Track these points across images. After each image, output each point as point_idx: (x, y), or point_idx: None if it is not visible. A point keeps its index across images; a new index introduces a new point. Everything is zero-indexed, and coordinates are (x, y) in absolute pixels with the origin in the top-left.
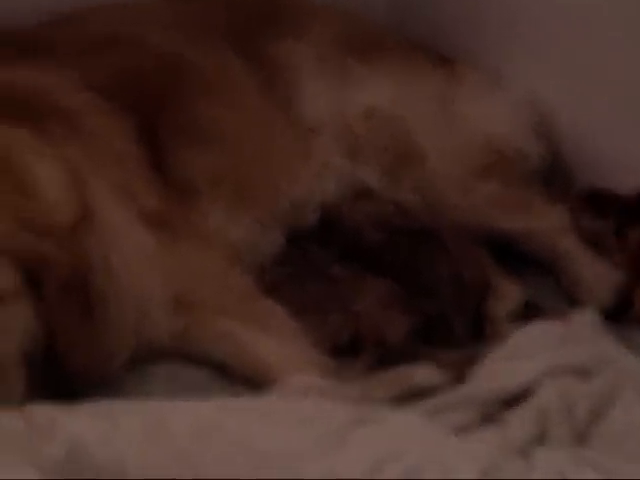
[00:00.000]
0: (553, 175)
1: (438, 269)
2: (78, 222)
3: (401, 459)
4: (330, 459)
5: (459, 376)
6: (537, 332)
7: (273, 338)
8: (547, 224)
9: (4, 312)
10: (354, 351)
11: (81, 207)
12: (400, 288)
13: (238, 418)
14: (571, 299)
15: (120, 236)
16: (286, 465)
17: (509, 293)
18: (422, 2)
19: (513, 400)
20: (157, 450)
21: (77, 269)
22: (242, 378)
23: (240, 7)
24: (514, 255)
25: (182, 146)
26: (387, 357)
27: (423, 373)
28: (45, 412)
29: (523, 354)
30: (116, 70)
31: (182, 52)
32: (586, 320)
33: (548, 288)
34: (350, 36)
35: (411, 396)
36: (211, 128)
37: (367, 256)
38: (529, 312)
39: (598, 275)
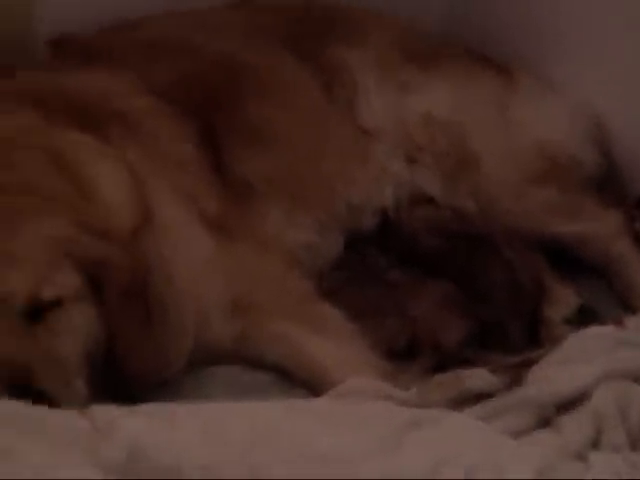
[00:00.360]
0: (607, 180)
1: (493, 274)
2: (139, 226)
3: (458, 461)
4: (388, 461)
5: (514, 380)
6: (592, 336)
7: (330, 341)
8: (601, 229)
9: (67, 314)
10: (411, 355)
11: (142, 211)
12: (456, 293)
13: (297, 420)
14: (625, 303)
15: (180, 239)
16: (344, 467)
17: (564, 297)
18: (477, 9)
19: (568, 404)
20: (216, 452)
21: (137, 272)
22: (299, 381)
23: (299, 13)
24: (568, 260)
25: (240, 148)
26: (443, 361)
27: (479, 377)
28: (106, 413)
29: (578, 358)
30: (175, 74)
31: (240, 56)
32: None
33: (602, 292)
34: (408, 43)
35: (467, 399)
36: (269, 130)
37: (424, 261)
38: (584, 316)
39: None
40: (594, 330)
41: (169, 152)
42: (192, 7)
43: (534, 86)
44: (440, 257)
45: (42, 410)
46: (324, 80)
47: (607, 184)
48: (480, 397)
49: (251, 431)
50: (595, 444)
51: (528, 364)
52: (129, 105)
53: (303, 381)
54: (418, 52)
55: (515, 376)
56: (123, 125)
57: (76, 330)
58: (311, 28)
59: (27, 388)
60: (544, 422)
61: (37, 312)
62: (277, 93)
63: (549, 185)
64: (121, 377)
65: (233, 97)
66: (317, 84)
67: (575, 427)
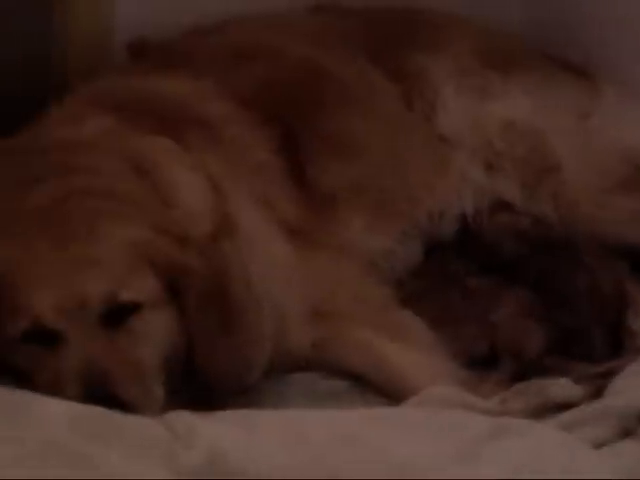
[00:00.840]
0: None
1: (575, 282)
2: (218, 232)
3: (539, 472)
4: (467, 471)
5: (597, 390)
6: None
7: (410, 349)
8: None
9: (145, 319)
10: (491, 363)
11: (221, 217)
12: (537, 300)
13: (376, 428)
14: None
15: (259, 245)
16: (424, 476)
17: None
18: (558, 14)
19: None
20: (296, 460)
21: (217, 278)
22: (378, 388)
23: (379, 20)
24: None
25: (322, 155)
26: (524, 369)
27: (561, 386)
28: (185, 419)
29: None
30: (256, 80)
31: (321, 63)
32: None
33: None
34: (488, 49)
35: (548, 409)
36: (351, 138)
37: (505, 268)
38: None
39: None
40: None
41: (248, 159)
42: (270, 10)
43: (617, 92)
44: (521, 264)
45: (119, 416)
46: (403, 88)
47: None
48: (562, 407)
49: (330, 438)
50: None
51: (610, 374)
52: (209, 111)
53: (382, 389)
54: (498, 58)
55: (597, 386)
56: (203, 131)
57: (154, 335)
58: (392, 34)
59: (104, 393)
60: (626, 433)
61: (115, 316)
62: (359, 101)
63: (633, 192)
64: (200, 384)
65: (315, 105)
66: (397, 92)
67: None
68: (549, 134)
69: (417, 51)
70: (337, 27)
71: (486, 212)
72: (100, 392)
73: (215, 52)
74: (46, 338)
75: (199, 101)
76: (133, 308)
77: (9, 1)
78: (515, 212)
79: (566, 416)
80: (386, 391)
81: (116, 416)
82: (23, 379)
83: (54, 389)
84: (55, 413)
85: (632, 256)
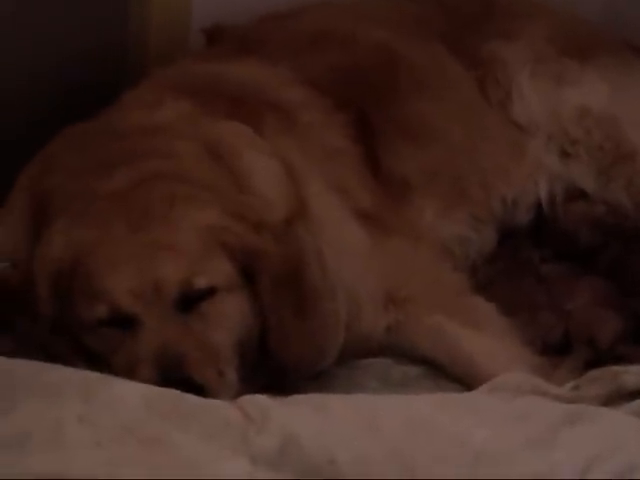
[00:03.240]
0: None
1: None
2: (292, 217)
3: (613, 459)
4: (542, 457)
5: None
6: None
7: (484, 335)
8: None
9: (220, 303)
10: (565, 350)
11: (296, 202)
12: (611, 288)
13: (450, 414)
14: None
15: (333, 231)
16: (497, 466)
17: None
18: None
19: None
20: (369, 445)
21: (291, 263)
22: (451, 374)
23: (454, 6)
24: None
25: (396, 141)
26: (597, 356)
27: (634, 374)
28: (259, 403)
29: None
30: (331, 66)
31: (396, 49)
32: None
33: None
34: (565, 35)
35: (622, 396)
36: (425, 123)
37: (580, 256)
38: None
39: None
40: None
41: (322, 144)
42: None
43: None
44: (596, 252)
45: (194, 399)
46: (478, 74)
47: None
48: (635, 394)
49: (404, 424)
50: None
51: None
52: (284, 96)
53: (455, 375)
54: (574, 44)
55: None
56: (277, 116)
57: (229, 319)
58: (467, 20)
59: (179, 376)
60: None
61: (190, 300)
62: (434, 88)
63: None
64: (274, 368)
65: (390, 90)
66: (472, 78)
67: None
68: (625, 122)
69: (492, 37)
70: (412, 12)
71: (561, 200)
72: (175, 375)
73: (290, 38)
74: (122, 322)
75: (274, 86)
76: (208, 292)
77: None
78: (590, 200)
79: (638, 403)
80: (459, 377)
81: (191, 399)
82: (97, 361)
83: (129, 372)
84: (132, 395)
85: None
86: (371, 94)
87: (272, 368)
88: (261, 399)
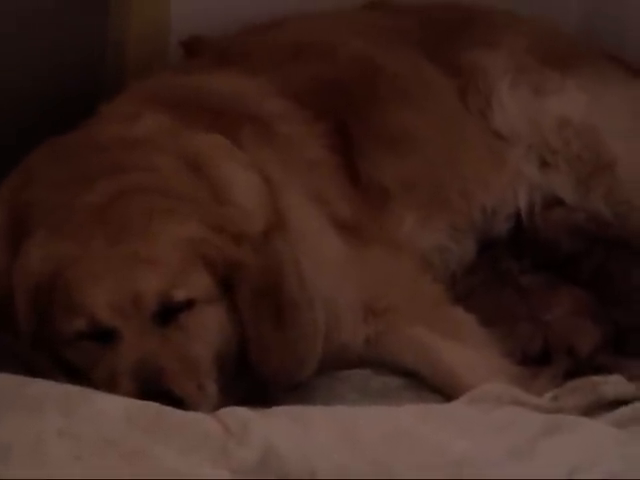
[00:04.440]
0: None
1: (630, 278)
2: (271, 229)
3: (592, 469)
4: (522, 467)
5: None
6: None
7: (463, 346)
8: None
9: (199, 315)
10: (544, 360)
11: (274, 214)
12: (591, 298)
13: (431, 425)
14: None
15: (312, 242)
16: (480, 474)
17: None
18: (615, 11)
19: None
20: (349, 456)
21: (270, 274)
22: (431, 385)
23: (434, 17)
24: None
25: (376, 151)
26: (577, 367)
27: (614, 383)
28: (238, 415)
29: None
30: (310, 77)
31: (376, 59)
32: None
33: None
34: (545, 46)
35: (600, 406)
36: (405, 133)
37: (559, 266)
38: None
39: None
40: None
41: (301, 155)
42: (324, 8)
43: None
44: (575, 261)
45: (174, 412)
46: (459, 84)
47: None
48: (614, 404)
49: (385, 435)
50: None
51: None
52: (263, 108)
53: (435, 385)
54: (554, 55)
55: None
56: (257, 128)
57: (208, 331)
58: (448, 30)
59: (159, 389)
60: None
61: (170, 313)
62: (414, 97)
63: None
64: (254, 379)
65: (370, 101)
66: (452, 87)
67: None
68: (604, 132)
69: (473, 47)
70: (392, 24)
71: (540, 209)
72: (155, 388)
73: (270, 50)
74: (101, 335)
75: (254, 98)
76: (187, 305)
77: (66, 1)
78: (568, 209)
79: (618, 413)
80: (439, 388)
81: (171, 412)
82: (78, 375)
83: (109, 385)
84: (113, 409)
85: None
86: (351, 105)
87: (252, 379)
88: (241, 411)
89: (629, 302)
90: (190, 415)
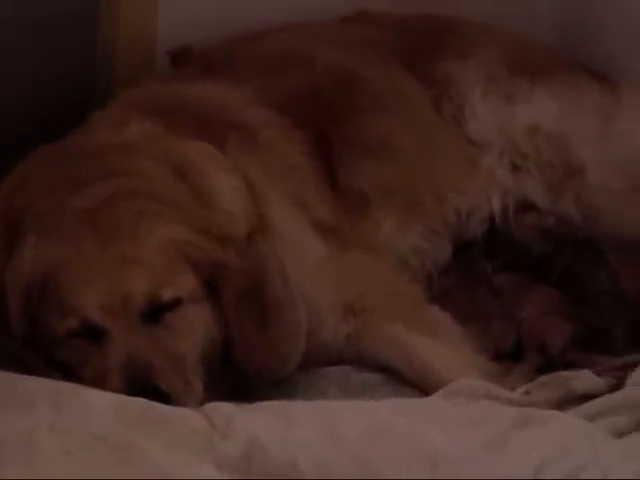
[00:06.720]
0: None
1: (598, 279)
2: (254, 232)
3: (564, 459)
4: (496, 460)
5: (618, 382)
6: None
7: (439, 343)
8: None
9: (185, 315)
10: (517, 356)
11: (257, 218)
12: (562, 297)
13: (408, 419)
14: None
15: (293, 244)
16: (457, 466)
17: None
18: (584, 21)
19: None
20: (330, 449)
21: (253, 275)
22: (409, 381)
23: (410, 28)
24: None
25: (354, 157)
26: (548, 363)
27: (583, 378)
28: (223, 411)
29: None
30: (291, 86)
31: (354, 69)
32: None
33: None
34: (516, 56)
35: (571, 400)
36: (382, 140)
37: (531, 267)
38: None
39: None
40: None
41: (282, 161)
42: (309, 19)
43: (638, 96)
44: (548, 262)
45: (161, 408)
46: (434, 93)
47: None
48: (584, 398)
49: (365, 429)
50: None
51: (631, 367)
52: (247, 116)
53: (412, 381)
54: (525, 64)
55: (618, 378)
56: (240, 136)
57: (194, 330)
58: (423, 42)
59: (147, 385)
60: None
61: (157, 312)
62: (391, 106)
63: None
64: (237, 376)
65: (347, 109)
66: (427, 97)
67: None
68: (573, 138)
69: (447, 58)
70: (371, 35)
71: (512, 212)
72: (143, 385)
73: (253, 60)
74: (91, 334)
75: (238, 107)
76: (173, 305)
77: (56, 10)
78: (541, 212)
79: (588, 407)
80: (416, 383)
81: (158, 408)
82: (68, 372)
83: (99, 382)
84: (102, 405)
85: None
86: (329, 112)
87: (236, 376)
88: (225, 406)
89: (597, 301)
90: (176, 410)
